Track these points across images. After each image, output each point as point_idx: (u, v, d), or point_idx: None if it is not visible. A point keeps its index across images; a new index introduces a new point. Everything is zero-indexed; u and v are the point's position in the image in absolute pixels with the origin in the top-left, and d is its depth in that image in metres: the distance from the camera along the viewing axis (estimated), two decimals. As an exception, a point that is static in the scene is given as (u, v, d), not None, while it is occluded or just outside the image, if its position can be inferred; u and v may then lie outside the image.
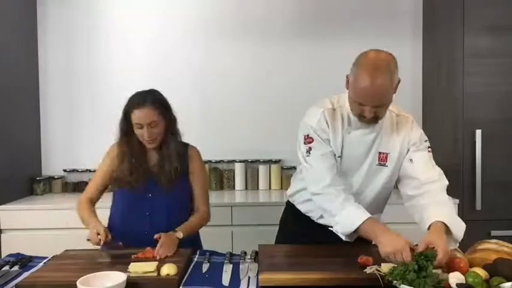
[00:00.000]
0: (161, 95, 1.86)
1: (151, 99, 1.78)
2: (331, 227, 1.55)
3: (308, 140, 1.61)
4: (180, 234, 1.70)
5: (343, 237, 1.52)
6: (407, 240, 1.36)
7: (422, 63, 3.23)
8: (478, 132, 2.63)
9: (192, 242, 1.83)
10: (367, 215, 1.47)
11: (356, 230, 1.47)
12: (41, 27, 3.17)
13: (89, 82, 3.20)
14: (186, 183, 1.88)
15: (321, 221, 1.70)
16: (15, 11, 2.90)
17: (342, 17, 3.20)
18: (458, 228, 1.45)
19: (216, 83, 3.22)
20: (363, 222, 1.44)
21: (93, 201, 1.88)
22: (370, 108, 1.47)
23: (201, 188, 1.90)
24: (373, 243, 1.44)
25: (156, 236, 1.64)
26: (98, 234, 1.62)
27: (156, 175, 1.83)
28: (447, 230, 1.42)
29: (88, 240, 1.64)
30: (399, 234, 1.40)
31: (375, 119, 1.52)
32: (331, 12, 3.21)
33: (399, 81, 1.50)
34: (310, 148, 1.60)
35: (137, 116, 1.76)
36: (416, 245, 1.36)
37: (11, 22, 2.84)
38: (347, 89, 1.56)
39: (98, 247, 1.67)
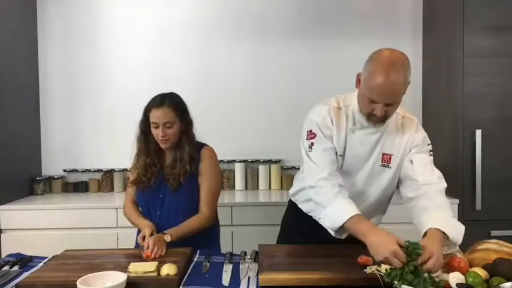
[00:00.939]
0: (180, 97, 1.94)
1: (169, 101, 1.87)
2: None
3: (311, 135, 1.61)
4: (167, 238, 1.69)
5: (332, 233, 1.51)
6: (395, 239, 1.32)
7: (422, 63, 3.23)
8: (478, 132, 2.63)
9: (207, 243, 1.86)
10: (356, 211, 1.45)
11: (343, 227, 1.45)
12: (41, 27, 3.16)
13: (89, 82, 3.20)
14: (195, 184, 1.91)
15: (321, 221, 1.70)
16: (15, 11, 2.90)
17: (342, 17, 3.20)
18: (456, 232, 1.43)
19: (216, 83, 3.22)
20: (350, 218, 1.43)
21: (136, 202, 1.98)
22: (382, 106, 1.47)
23: (206, 189, 1.91)
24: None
25: (145, 244, 1.64)
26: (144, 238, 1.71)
27: (167, 176, 1.89)
28: (445, 235, 1.39)
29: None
30: (387, 233, 1.37)
31: (383, 119, 1.53)
32: (331, 12, 3.21)
33: (409, 82, 1.50)
34: (312, 144, 1.61)
35: (154, 115, 1.84)
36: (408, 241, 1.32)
37: (11, 22, 2.84)
38: (357, 87, 1.57)
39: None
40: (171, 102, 1.87)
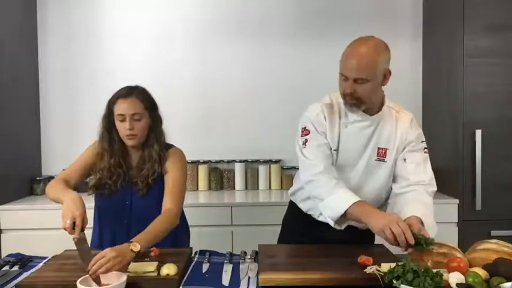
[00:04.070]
0: (149, 92, 1.80)
1: (138, 92, 1.74)
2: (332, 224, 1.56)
3: (305, 132, 1.65)
4: (136, 246, 1.39)
5: (332, 224, 1.54)
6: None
7: (422, 63, 3.23)
8: (478, 132, 2.63)
9: (176, 244, 1.75)
10: (356, 198, 1.49)
11: (345, 215, 1.49)
12: (41, 27, 3.16)
13: (89, 82, 3.19)
14: (163, 186, 1.73)
15: (321, 219, 1.71)
16: (15, 11, 2.90)
17: (342, 16, 3.20)
18: (430, 228, 1.48)
19: (216, 82, 3.22)
20: (351, 205, 1.47)
21: (68, 184, 1.69)
22: (351, 82, 1.52)
23: (170, 185, 1.70)
24: (375, 243, 1.45)
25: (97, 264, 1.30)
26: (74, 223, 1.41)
27: (134, 178, 1.73)
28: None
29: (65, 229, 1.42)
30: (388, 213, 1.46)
31: (356, 101, 1.55)
32: (331, 12, 3.21)
33: (390, 73, 1.55)
34: (306, 140, 1.64)
35: (121, 106, 1.68)
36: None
37: (11, 22, 2.84)
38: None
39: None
40: (140, 93, 1.73)
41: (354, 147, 1.65)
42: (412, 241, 1.34)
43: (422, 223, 1.45)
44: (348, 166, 1.66)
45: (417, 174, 1.61)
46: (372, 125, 1.64)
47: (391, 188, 1.72)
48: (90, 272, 1.28)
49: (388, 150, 1.65)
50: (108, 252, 1.32)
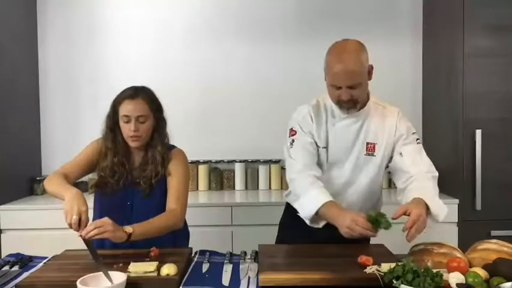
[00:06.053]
0: (154, 94, 1.79)
1: (144, 94, 1.73)
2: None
3: (292, 133, 1.70)
4: (128, 229, 1.47)
5: (308, 222, 1.59)
6: (355, 213, 1.47)
7: (422, 63, 3.23)
8: (478, 132, 2.63)
9: (175, 243, 1.75)
10: (328, 198, 1.52)
11: (318, 215, 1.53)
12: (41, 27, 3.16)
13: (89, 82, 3.20)
14: (165, 188, 1.74)
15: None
16: (15, 11, 2.90)
17: (342, 17, 3.20)
18: (438, 208, 1.51)
19: (217, 83, 3.22)
20: (322, 205, 1.51)
21: (68, 179, 1.67)
22: (345, 90, 1.56)
23: (174, 186, 1.72)
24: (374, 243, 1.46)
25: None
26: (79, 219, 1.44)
27: (137, 179, 1.73)
28: (427, 209, 1.49)
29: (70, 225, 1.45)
30: (349, 211, 1.49)
31: (353, 104, 1.60)
32: (331, 12, 3.21)
33: (372, 68, 1.60)
34: (293, 140, 1.69)
35: (126, 108, 1.68)
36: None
37: (10, 22, 2.84)
38: (325, 80, 1.66)
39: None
40: (146, 95, 1.72)
41: (343, 143, 1.69)
42: (373, 235, 1.43)
43: (427, 205, 1.48)
44: (338, 162, 1.69)
45: (415, 165, 1.64)
46: (358, 120, 1.68)
47: (382, 183, 1.78)
48: (83, 233, 1.42)
49: (377, 144, 1.69)
50: (106, 221, 1.45)
